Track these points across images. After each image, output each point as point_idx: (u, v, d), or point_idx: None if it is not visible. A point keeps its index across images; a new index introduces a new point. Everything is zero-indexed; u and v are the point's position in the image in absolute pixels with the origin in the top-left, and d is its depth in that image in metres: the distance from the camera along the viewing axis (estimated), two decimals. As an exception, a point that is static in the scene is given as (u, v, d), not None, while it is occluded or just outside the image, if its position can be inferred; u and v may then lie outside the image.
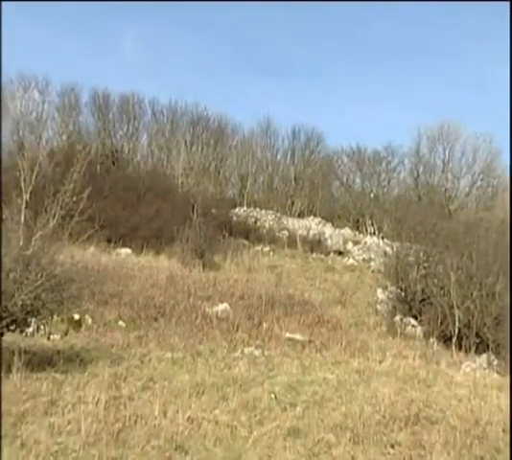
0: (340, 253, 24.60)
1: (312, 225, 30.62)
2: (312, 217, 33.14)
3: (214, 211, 24.65)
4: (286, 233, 26.75)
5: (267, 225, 28.94)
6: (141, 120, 33.83)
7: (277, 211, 33.53)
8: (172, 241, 19.26)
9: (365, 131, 59.22)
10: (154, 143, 33.68)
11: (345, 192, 38.95)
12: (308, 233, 26.03)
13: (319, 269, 20.73)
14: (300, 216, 34.74)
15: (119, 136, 32.29)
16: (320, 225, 31.17)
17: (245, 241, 23.94)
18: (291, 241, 24.97)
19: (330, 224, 31.95)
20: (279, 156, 38.44)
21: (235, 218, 26.67)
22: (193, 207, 21.87)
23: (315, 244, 24.61)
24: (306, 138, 38.16)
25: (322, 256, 23.61)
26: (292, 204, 36.19)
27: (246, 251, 21.95)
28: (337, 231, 28.49)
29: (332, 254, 24.11)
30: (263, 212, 30.93)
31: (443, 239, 16.00)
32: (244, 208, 30.68)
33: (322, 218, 33.08)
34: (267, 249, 23.31)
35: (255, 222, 27.82)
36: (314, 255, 23.62)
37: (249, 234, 24.81)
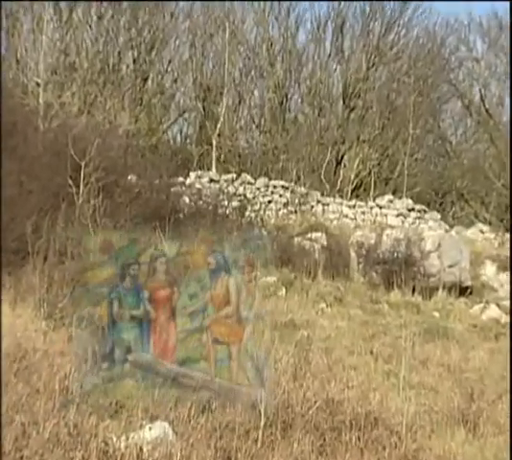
0: (465, 291, 24.92)
1: (388, 218, 30.56)
2: (388, 196, 33.16)
3: (132, 180, 24.66)
4: (322, 237, 26.71)
5: (271, 218, 28.87)
6: None
7: (299, 181, 33.55)
8: (21, 260, 19.15)
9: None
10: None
11: (479, 130, 39.12)
12: (379, 239, 25.98)
13: (409, 333, 20.63)
14: (357, 193, 34.79)
15: None
16: (411, 219, 31.16)
17: (215, 260, 23.90)
18: (335, 260, 25.15)
19: (436, 216, 31.98)
20: (303, 36, 38.49)
21: (188, 201, 26.64)
22: (77, 169, 21.78)
23: (399, 268, 24.69)
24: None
25: (416, 298, 23.86)
26: (339, 163, 36.36)
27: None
28: (453, 234, 28.48)
29: (441, 292, 24.40)
30: (261, 182, 30.97)
31: None
32: (213, 173, 30.69)
33: (415, 200, 33.11)
34: (271, 280, 23.20)
35: (241, 211, 27.88)
36: (393, 295, 23.92)
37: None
